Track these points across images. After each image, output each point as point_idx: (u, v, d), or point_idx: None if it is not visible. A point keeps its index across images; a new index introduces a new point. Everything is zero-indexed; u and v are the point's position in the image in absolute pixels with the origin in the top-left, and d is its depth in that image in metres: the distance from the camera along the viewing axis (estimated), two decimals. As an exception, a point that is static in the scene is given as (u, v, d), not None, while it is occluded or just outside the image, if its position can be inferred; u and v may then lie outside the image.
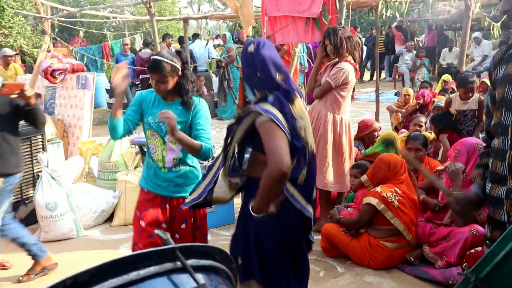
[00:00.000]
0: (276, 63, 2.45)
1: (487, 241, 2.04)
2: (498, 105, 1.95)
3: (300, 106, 2.44)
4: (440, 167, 4.32)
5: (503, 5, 1.90)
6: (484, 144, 2.21)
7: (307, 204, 2.49)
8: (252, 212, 2.32)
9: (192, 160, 3.25)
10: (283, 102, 2.36)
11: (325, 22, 5.39)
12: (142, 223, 3.19)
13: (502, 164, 1.92)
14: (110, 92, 11.84)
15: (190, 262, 1.06)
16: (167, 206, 3.23)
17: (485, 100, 2.14)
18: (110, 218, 5.35)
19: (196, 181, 3.11)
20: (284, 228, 2.47)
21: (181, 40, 11.56)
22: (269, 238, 2.49)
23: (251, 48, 2.47)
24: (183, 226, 3.24)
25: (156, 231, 1.08)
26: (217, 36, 16.43)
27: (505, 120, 1.90)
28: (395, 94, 12.10)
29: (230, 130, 2.48)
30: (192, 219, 3.25)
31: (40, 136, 5.41)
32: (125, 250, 4.59)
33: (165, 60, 3.05)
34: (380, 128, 5.67)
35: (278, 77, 2.42)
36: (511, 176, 1.87)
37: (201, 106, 3.18)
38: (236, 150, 2.54)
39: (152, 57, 3.13)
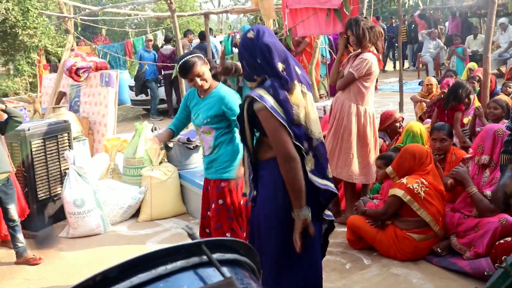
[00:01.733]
0: (279, 51, 2.47)
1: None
2: None
3: (298, 95, 2.45)
4: (467, 156, 4.26)
5: None
6: (508, 132, 2.18)
7: (326, 180, 2.53)
8: (297, 215, 2.38)
9: (230, 145, 3.49)
10: (278, 89, 2.39)
11: (347, 13, 5.34)
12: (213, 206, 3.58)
13: None
14: (135, 89, 11.97)
15: (216, 256, 1.07)
16: (208, 187, 3.59)
17: None
18: (136, 214, 5.42)
19: (229, 164, 3.45)
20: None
21: (201, 36, 11.60)
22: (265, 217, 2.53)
23: (251, 34, 2.50)
24: (213, 205, 3.50)
25: (183, 226, 1.10)
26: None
27: None
28: (419, 84, 11.92)
29: (239, 119, 2.55)
30: (221, 201, 3.47)
31: (66, 134, 5.49)
32: (152, 245, 4.65)
33: (188, 58, 3.37)
34: (403, 119, 5.58)
35: (280, 66, 2.43)
36: None
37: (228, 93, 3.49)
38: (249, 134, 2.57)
39: (179, 64, 3.41)
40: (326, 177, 2.54)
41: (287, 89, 2.42)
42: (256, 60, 2.46)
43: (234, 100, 3.43)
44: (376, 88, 11.88)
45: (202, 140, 3.56)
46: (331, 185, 2.55)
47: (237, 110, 2.93)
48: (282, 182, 2.40)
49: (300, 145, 2.40)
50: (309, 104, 2.50)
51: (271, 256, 2.51)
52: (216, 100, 3.43)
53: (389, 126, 5.43)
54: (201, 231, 3.67)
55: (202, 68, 3.38)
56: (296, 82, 2.45)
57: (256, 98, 2.36)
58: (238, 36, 13.74)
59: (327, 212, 2.62)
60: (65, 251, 4.67)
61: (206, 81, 3.43)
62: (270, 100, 2.36)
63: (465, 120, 5.64)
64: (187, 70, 3.36)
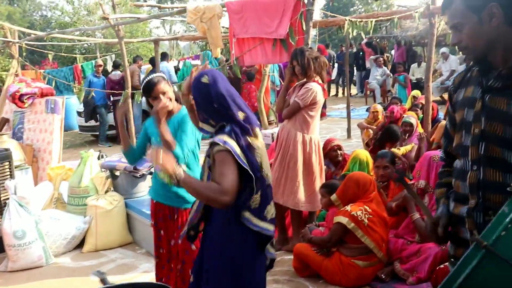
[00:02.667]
0: (234, 98, 2.46)
1: (452, 259, 2.07)
2: (459, 127, 2.00)
3: (260, 138, 2.48)
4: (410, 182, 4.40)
5: (452, 39, 1.95)
6: (442, 163, 2.25)
7: (267, 224, 2.48)
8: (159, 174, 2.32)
9: (195, 169, 3.41)
10: (239, 134, 2.37)
11: (292, 43, 5.45)
12: (162, 232, 3.51)
13: (463, 184, 1.96)
14: (84, 115, 11.77)
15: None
16: (176, 216, 3.46)
17: (445, 122, 2.20)
18: (80, 244, 5.26)
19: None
20: (232, 251, 2.45)
21: (152, 61, 11.59)
22: (214, 261, 2.47)
23: (205, 79, 2.46)
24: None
25: (92, 272, 1.08)
26: (189, 57, 16.48)
27: (465, 141, 1.95)
28: (367, 110, 12.26)
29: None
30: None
31: (7, 163, 5.32)
32: (96, 277, 4.51)
33: (152, 76, 3.39)
34: (339, 146, 5.53)
35: (240, 115, 2.42)
36: (472, 196, 1.91)
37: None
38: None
39: (144, 81, 3.40)
40: (265, 219, 2.47)
41: (252, 134, 2.42)
42: (212, 105, 2.43)
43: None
44: (324, 114, 12.13)
45: None
46: (267, 228, 2.48)
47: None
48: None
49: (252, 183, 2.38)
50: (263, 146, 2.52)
51: None
52: (178, 122, 3.38)
53: (327, 154, 5.41)
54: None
55: (166, 86, 3.36)
56: (256, 127, 2.47)
57: (220, 143, 2.31)
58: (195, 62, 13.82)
59: (271, 250, 2.57)
60: (3, 286, 4.47)
61: (171, 100, 3.36)
62: (234, 146, 2.32)
63: (407, 148, 5.81)
64: (151, 87, 3.33)
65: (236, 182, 2.29)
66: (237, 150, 2.32)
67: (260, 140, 2.48)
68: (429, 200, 4.09)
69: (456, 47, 1.97)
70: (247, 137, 2.40)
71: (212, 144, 2.38)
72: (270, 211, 2.48)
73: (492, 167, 1.85)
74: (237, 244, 2.43)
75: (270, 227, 2.49)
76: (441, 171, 2.24)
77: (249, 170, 2.32)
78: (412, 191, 2.29)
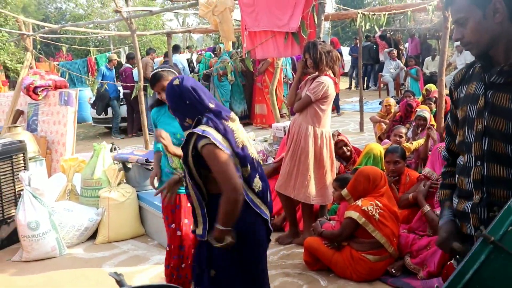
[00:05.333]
0: (204, 91, 2.64)
1: (456, 255, 2.06)
2: (462, 124, 2.00)
3: (236, 121, 2.67)
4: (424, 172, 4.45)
5: (455, 34, 1.94)
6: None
7: (265, 207, 2.68)
8: (213, 242, 2.47)
9: None
10: (216, 120, 2.53)
11: (304, 36, 5.44)
12: (172, 225, 3.52)
13: (467, 181, 1.96)
14: (97, 108, 11.85)
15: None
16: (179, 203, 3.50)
17: (447, 119, 2.20)
18: (93, 236, 5.32)
19: None
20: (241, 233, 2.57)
21: (166, 54, 11.63)
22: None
23: (176, 81, 2.64)
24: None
25: (109, 273, 1.09)
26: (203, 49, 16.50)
27: (468, 138, 1.95)
28: (380, 104, 12.19)
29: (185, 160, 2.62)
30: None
31: (21, 154, 5.38)
32: (109, 268, 4.56)
33: (159, 70, 3.44)
34: (345, 142, 5.49)
35: (211, 105, 2.60)
36: (476, 192, 1.91)
37: None
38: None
39: (151, 73, 3.50)
40: (265, 201, 2.68)
41: (228, 118, 2.61)
42: (185, 102, 2.59)
43: None
44: (335, 108, 12.09)
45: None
46: (265, 212, 2.67)
47: None
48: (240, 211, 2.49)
49: (247, 169, 2.56)
50: (241, 128, 2.69)
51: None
52: None
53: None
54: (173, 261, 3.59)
55: None
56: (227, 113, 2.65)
57: (199, 133, 2.45)
58: (204, 53, 13.83)
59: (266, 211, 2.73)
60: (17, 276, 4.54)
61: None
62: (213, 133, 2.46)
63: (420, 142, 5.77)
64: (154, 81, 3.43)
65: (234, 169, 2.45)
66: (217, 136, 2.46)
67: (237, 123, 2.66)
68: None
69: (459, 42, 1.96)
70: (224, 121, 2.56)
71: (190, 135, 2.50)
72: (257, 183, 2.63)
73: (495, 163, 1.86)
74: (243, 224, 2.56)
75: (267, 211, 2.69)
76: (444, 171, 2.24)
77: (229, 153, 2.46)
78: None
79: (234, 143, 2.53)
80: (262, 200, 2.66)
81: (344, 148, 5.44)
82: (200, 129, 2.48)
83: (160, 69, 3.49)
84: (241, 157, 2.55)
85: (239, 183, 2.44)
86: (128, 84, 10.43)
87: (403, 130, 5.91)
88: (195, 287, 2.75)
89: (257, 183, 2.62)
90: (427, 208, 4.09)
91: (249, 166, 2.59)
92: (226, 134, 2.52)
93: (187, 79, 2.66)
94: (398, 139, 5.71)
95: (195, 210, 2.63)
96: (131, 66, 11.42)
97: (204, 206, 2.57)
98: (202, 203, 2.57)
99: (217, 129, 2.50)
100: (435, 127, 5.79)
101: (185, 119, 2.64)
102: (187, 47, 18.86)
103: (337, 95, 12.29)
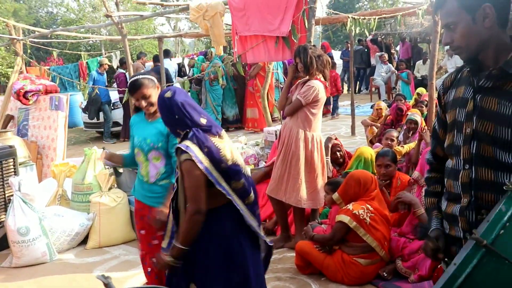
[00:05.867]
0: (195, 107, 2.70)
1: (445, 258, 2.07)
2: (450, 128, 2.01)
3: (225, 137, 2.75)
4: (413, 178, 4.45)
5: (444, 38, 1.96)
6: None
7: (253, 220, 2.74)
8: (164, 259, 2.60)
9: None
10: (201, 137, 2.58)
11: (295, 40, 5.45)
12: (142, 232, 3.50)
13: (456, 184, 1.97)
14: (89, 112, 11.80)
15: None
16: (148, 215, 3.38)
17: (433, 123, 2.21)
18: (84, 241, 5.30)
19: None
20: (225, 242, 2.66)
21: (156, 59, 11.60)
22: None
23: (168, 94, 2.69)
24: (155, 241, 3.41)
25: (97, 276, 1.09)
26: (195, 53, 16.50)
27: (457, 141, 1.96)
28: (371, 107, 12.23)
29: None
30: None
31: (11, 160, 5.35)
32: (100, 273, 4.54)
33: (140, 77, 3.35)
34: (339, 148, 5.57)
35: (202, 121, 2.66)
36: (464, 195, 1.92)
37: None
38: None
39: (130, 80, 3.42)
40: (255, 214, 2.75)
41: (217, 134, 2.68)
42: (174, 116, 2.65)
43: None
44: (328, 111, 12.12)
45: (147, 166, 3.39)
46: (254, 226, 2.73)
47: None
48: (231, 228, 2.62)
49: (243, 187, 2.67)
50: (230, 144, 2.75)
51: None
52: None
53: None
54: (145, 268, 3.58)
55: (150, 90, 3.32)
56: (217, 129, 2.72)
57: (183, 148, 2.53)
58: (195, 58, 13.83)
59: (265, 239, 2.79)
60: (7, 282, 4.50)
61: (152, 105, 3.33)
62: (195, 150, 2.53)
63: (411, 145, 5.80)
64: (134, 88, 3.33)
65: (204, 193, 2.53)
66: (199, 154, 2.53)
67: (226, 140, 2.72)
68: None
69: (449, 46, 1.98)
70: (212, 137, 2.63)
71: (177, 150, 2.59)
72: (252, 197, 2.72)
73: (484, 166, 1.87)
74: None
75: (255, 223, 2.74)
76: (427, 176, 2.24)
77: (208, 175, 2.52)
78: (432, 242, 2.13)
79: (218, 160, 2.58)
80: (251, 212, 2.72)
81: (338, 153, 5.48)
82: (185, 144, 2.55)
83: (140, 76, 3.38)
84: (233, 172, 2.62)
85: (203, 207, 2.52)
86: (123, 89, 10.40)
87: (394, 133, 5.93)
88: None
89: (252, 196, 2.70)
90: (421, 210, 4.10)
91: (243, 179, 2.66)
92: (210, 153, 2.57)
93: (179, 93, 2.70)
94: (389, 142, 5.73)
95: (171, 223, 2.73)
96: (124, 71, 11.40)
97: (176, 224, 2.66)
98: (176, 219, 2.66)
99: (200, 147, 2.55)
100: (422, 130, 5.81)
101: (176, 129, 2.71)
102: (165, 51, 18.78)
103: (336, 97, 12.36)
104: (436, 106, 6.50)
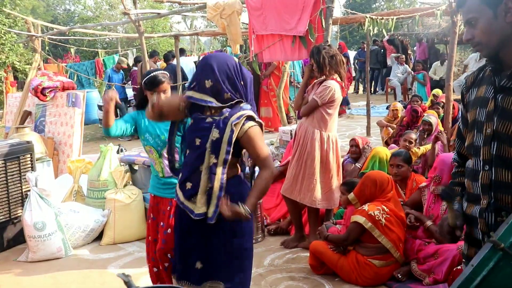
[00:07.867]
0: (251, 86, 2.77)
1: (464, 259, 2.06)
2: (471, 127, 1.99)
3: None
4: (423, 184, 4.37)
5: (465, 35, 1.93)
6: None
7: None
8: (243, 212, 2.48)
9: None
10: (255, 113, 2.68)
11: (312, 40, 5.43)
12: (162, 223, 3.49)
13: (475, 184, 1.95)
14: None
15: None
16: (169, 207, 3.43)
17: (458, 122, 2.18)
18: (99, 237, 5.33)
19: None
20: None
21: (166, 57, 11.64)
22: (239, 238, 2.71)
23: (236, 59, 2.72)
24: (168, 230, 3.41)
25: (117, 274, 1.09)
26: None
27: (477, 141, 1.93)
28: (387, 108, 12.15)
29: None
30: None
31: (28, 155, 5.40)
32: (114, 270, 4.57)
33: (158, 73, 3.43)
34: (356, 143, 5.54)
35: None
36: (484, 196, 1.90)
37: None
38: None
39: (147, 77, 3.44)
40: None
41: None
42: (240, 82, 2.65)
43: None
44: (344, 111, 12.07)
45: (161, 163, 3.45)
46: None
47: None
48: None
49: None
50: None
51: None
52: None
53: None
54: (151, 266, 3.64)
55: (167, 85, 3.45)
56: None
57: (251, 114, 2.60)
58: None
59: None
60: (22, 276, 4.55)
61: None
62: (256, 119, 2.65)
63: (427, 147, 5.74)
64: (156, 83, 3.39)
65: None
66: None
67: None
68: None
69: (469, 42, 1.95)
70: None
71: (240, 117, 2.56)
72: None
73: (504, 168, 1.84)
74: None
75: None
76: (454, 171, 2.22)
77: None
78: (453, 212, 2.08)
79: None
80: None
81: (354, 147, 5.43)
82: (251, 112, 2.62)
83: (158, 72, 3.46)
84: None
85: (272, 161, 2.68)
86: (137, 87, 10.48)
87: (413, 136, 5.84)
88: (180, 281, 2.75)
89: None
90: (428, 223, 4.10)
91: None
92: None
93: (242, 66, 2.76)
94: (407, 144, 5.66)
95: (209, 191, 2.60)
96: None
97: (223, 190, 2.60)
98: (223, 186, 2.59)
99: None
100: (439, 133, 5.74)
101: (227, 93, 2.61)
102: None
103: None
104: (454, 108, 6.48)
